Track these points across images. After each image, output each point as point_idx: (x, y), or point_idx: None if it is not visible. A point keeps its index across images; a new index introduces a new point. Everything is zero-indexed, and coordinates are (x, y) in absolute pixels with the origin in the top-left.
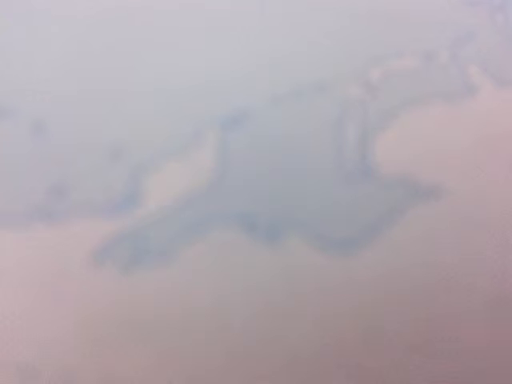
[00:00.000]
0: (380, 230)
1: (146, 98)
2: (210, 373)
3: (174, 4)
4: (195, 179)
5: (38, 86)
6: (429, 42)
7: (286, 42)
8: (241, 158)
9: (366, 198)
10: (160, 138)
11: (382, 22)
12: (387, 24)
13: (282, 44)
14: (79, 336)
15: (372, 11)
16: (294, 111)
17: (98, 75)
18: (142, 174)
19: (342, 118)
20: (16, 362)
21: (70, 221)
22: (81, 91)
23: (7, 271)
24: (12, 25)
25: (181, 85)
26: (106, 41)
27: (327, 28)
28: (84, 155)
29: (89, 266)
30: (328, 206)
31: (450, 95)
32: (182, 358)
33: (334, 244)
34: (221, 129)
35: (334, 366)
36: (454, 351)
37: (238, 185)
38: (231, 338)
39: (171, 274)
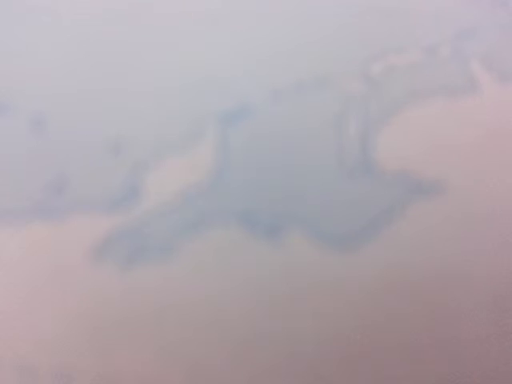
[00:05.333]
0: (381, 225)
1: (145, 94)
2: (210, 368)
3: (173, 1)
4: (195, 175)
5: (37, 82)
6: (431, 37)
7: (286, 36)
8: (241, 153)
9: (367, 193)
10: (160, 134)
11: (384, 17)
12: (389, 19)
13: (283, 39)
14: (78, 332)
15: (373, 6)
16: (295, 106)
17: (97, 72)
18: (142, 170)
19: (343, 113)
20: (15, 359)
21: (69, 217)
22: (80, 87)
23: (6, 268)
24: (12, 22)
25: (181, 80)
26: (106, 37)
27: (328, 23)
28: (83, 151)
29: (88, 262)
30: (329, 202)
31: (451, 90)
32: (181, 354)
33: (335, 240)
34: (221, 124)
35: (333, 361)
36: (454, 347)
37: (238, 180)
38: (231, 333)
39: (171, 271)
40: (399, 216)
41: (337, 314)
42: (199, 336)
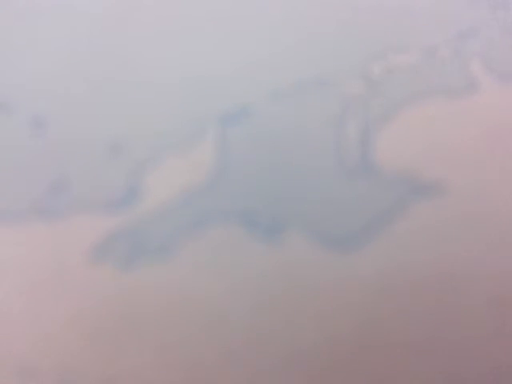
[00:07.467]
0: (381, 226)
1: (145, 94)
2: (209, 368)
3: (173, 1)
4: (195, 175)
5: (38, 81)
6: (430, 37)
7: (286, 37)
8: (241, 153)
9: (367, 194)
10: (160, 134)
11: (383, 17)
12: (388, 19)
13: (283, 39)
14: (78, 332)
15: (373, 6)
16: (295, 107)
17: (97, 71)
18: (142, 169)
19: (343, 113)
20: (14, 360)
21: (69, 217)
22: (81, 87)
23: (6, 267)
24: (13, 22)
25: (181, 81)
26: (106, 37)
27: (328, 23)
28: (83, 151)
29: (88, 262)
30: (329, 203)
31: (451, 90)
32: (180, 354)
33: (335, 241)
34: (221, 124)
35: (332, 361)
36: (453, 349)
37: (238, 181)
38: (230, 333)
39: (170, 271)
40: (399, 216)
41: (337, 314)
42: (199, 336)
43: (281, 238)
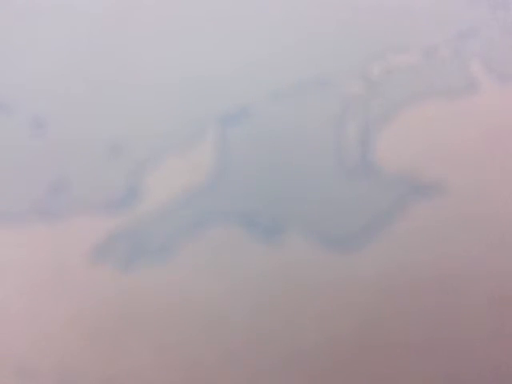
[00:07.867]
0: (381, 226)
1: (145, 95)
2: (209, 368)
3: (173, 1)
4: (195, 176)
5: (38, 81)
6: (430, 38)
7: (286, 37)
8: (241, 154)
9: (367, 194)
10: (159, 135)
11: (383, 17)
12: (388, 19)
13: (283, 39)
14: (78, 333)
15: (373, 6)
16: (295, 107)
17: (97, 72)
18: (142, 170)
19: (343, 113)
20: (14, 360)
21: (69, 217)
22: (80, 87)
23: (6, 268)
24: (13, 22)
25: (181, 81)
26: (106, 37)
27: (328, 23)
28: (83, 152)
29: (88, 262)
30: (329, 203)
31: (451, 91)
32: (180, 354)
33: (335, 240)
34: (221, 125)
35: (333, 362)
36: (453, 349)
37: (238, 181)
38: (230, 334)
39: (170, 271)
40: (399, 216)
41: (337, 314)
42: (199, 336)
43: (281, 239)
